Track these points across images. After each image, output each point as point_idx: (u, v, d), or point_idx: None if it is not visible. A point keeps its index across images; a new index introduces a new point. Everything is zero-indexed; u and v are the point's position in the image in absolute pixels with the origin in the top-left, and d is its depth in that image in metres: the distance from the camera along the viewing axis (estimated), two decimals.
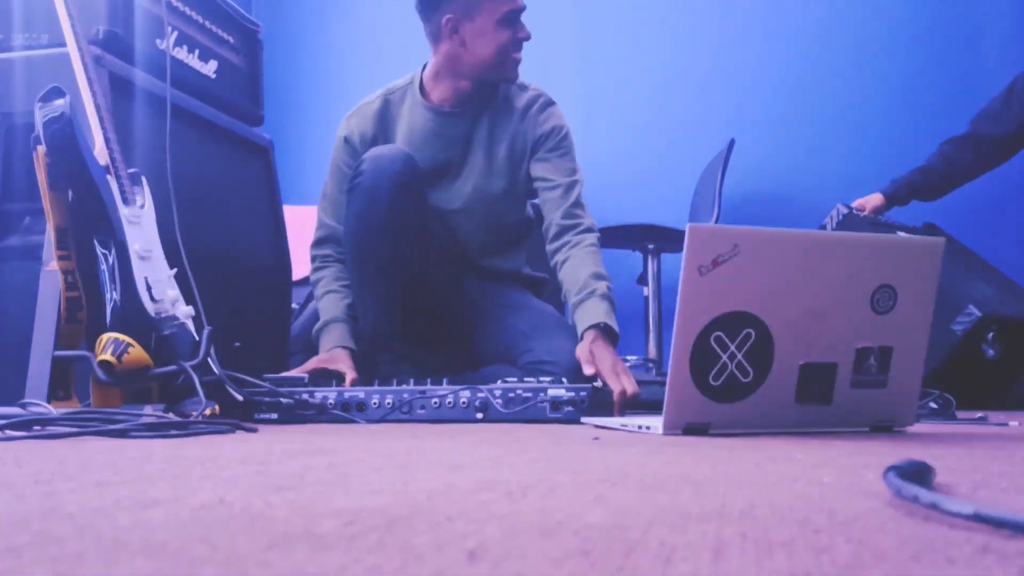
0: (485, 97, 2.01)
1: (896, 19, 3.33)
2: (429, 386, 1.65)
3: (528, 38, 1.94)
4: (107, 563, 0.34)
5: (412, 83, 2.04)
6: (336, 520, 0.45)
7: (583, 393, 1.58)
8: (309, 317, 2.91)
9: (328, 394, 1.63)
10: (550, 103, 2.05)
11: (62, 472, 0.69)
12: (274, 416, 1.62)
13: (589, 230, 1.96)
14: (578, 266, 1.88)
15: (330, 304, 2.00)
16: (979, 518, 0.42)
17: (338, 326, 1.95)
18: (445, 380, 1.69)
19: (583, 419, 1.54)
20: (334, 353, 1.90)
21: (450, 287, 2.05)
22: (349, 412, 1.62)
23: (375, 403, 1.62)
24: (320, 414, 1.61)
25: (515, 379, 1.66)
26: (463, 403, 1.60)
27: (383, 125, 2.03)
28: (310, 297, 2.98)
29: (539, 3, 3.75)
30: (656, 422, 1.19)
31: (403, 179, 1.85)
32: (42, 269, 1.54)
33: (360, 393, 1.63)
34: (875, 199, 2.87)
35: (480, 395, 1.60)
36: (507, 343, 1.96)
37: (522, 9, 1.93)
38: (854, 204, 2.86)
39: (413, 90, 2.03)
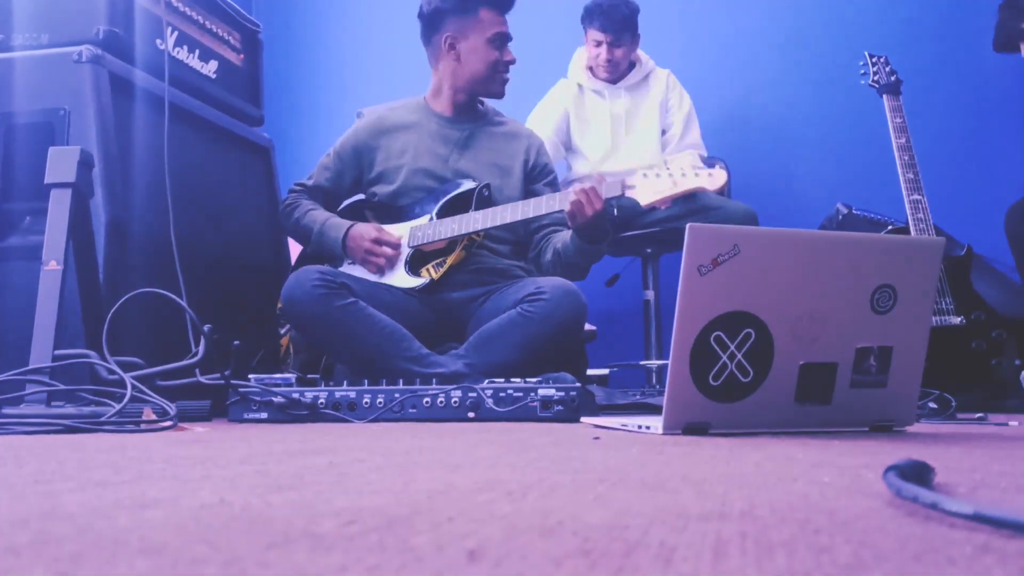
0: (475, 111, 2.28)
1: (896, 18, 3.33)
2: (419, 385, 1.66)
3: (513, 62, 2.22)
4: (107, 563, 0.34)
5: (418, 100, 2.30)
6: (336, 520, 0.44)
7: (573, 393, 1.60)
8: None
9: (319, 394, 1.64)
10: (543, 143, 2.34)
11: (62, 472, 0.69)
12: (263, 415, 1.62)
13: None
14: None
15: (316, 214, 2.16)
16: (979, 518, 0.42)
17: (332, 220, 2.13)
18: (435, 381, 1.71)
19: (583, 418, 1.55)
20: (354, 233, 2.06)
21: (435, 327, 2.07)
22: (340, 412, 1.62)
23: (366, 403, 1.62)
24: (311, 413, 1.61)
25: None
26: (455, 402, 1.61)
27: (383, 128, 2.24)
28: None
29: (540, 3, 3.76)
30: (656, 422, 1.19)
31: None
32: (42, 269, 1.54)
33: (351, 393, 1.64)
34: None
35: (472, 395, 1.61)
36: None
37: (508, 36, 2.22)
38: None
39: (419, 103, 2.29)
